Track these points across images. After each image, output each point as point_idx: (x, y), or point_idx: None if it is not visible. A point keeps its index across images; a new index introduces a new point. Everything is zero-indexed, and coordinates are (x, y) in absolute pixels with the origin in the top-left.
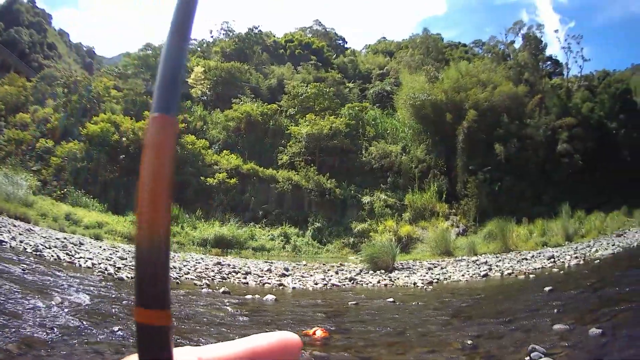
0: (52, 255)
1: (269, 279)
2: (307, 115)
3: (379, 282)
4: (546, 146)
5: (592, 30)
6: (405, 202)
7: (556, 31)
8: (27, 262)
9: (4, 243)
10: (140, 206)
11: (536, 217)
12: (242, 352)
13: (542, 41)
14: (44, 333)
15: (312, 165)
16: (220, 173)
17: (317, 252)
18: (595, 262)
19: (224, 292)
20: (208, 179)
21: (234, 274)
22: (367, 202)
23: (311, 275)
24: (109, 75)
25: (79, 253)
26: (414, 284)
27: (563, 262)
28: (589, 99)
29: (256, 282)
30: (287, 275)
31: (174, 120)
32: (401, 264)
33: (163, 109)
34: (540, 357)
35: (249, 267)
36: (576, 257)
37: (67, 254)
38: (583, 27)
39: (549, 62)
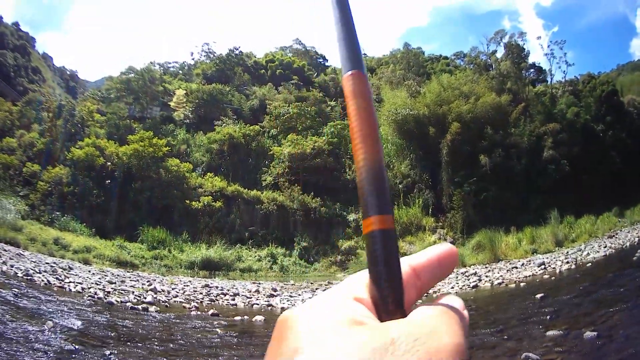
0: (43, 280)
1: (257, 299)
2: (289, 136)
3: None
4: (531, 154)
5: (576, 33)
6: None
7: (539, 38)
8: (19, 287)
9: None
10: (356, 143)
11: (524, 225)
12: (435, 259)
13: (524, 49)
14: (38, 358)
15: (296, 185)
16: (205, 196)
17: (305, 272)
18: (587, 265)
19: (212, 314)
20: (193, 202)
21: (222, 295)
22: (353, 220)
23: (299, 295)
24: (92, 100)
25: (68, 277)
26: None
27: (554, 268)
28: (574, 104)
29: (245, 303)
30: (276, 296)
31: (366, 76)
32: None
33: (356, 67)
34: None
35: (237, 288)
36: (567, 262)
37: (57, 278)
38: (567, 30)
39: (532, 70)
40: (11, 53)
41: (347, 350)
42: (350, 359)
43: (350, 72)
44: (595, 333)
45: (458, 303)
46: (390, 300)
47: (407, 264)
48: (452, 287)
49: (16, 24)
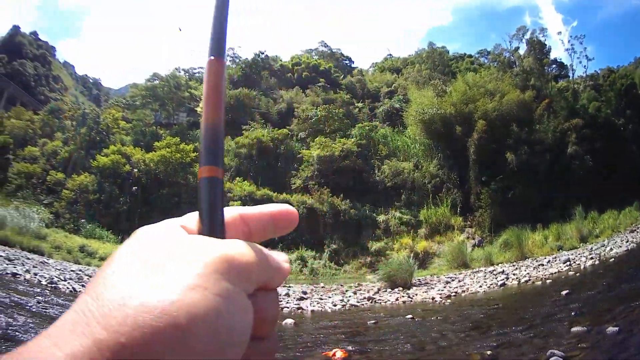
0: (68, 287)
1: (287, 303)
2: (317, 138)
3: (397, 299)
4: (556, 150)
5: (594, 27)
6: (420, 218)
7: (559, 33)
8: (43, 295)
9: (18, 275)
10: (204, 107)
11: (550, 221)
12: (267, 213)
13: (546, 45)
14: None
15: (325, 187)
16: (234, 201)
17: (335, 274)
18: (610, 260)
19: None
20: None
21: None
22: (383, 221)
23: (329, 297)
24: (117, 107)
25: None
26: (432, 298)
27: (579, 264)
28: (595, 99)
29: None
30: (306, 299)
31: (224, 62)
32: (419, 280)
33: (218, 54)
34: None
35: None
36: (591, 258)
37: (83, 285)
38: (586, 24)
39: (554, 66)
40: (30, 62)
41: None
42: (150, 244)
43: (212, 57)
44: (617, 328)
45: (281, 255)
46: (209, 233)
47: (238, 212)
48: (480, 286)
49: (34, 34)
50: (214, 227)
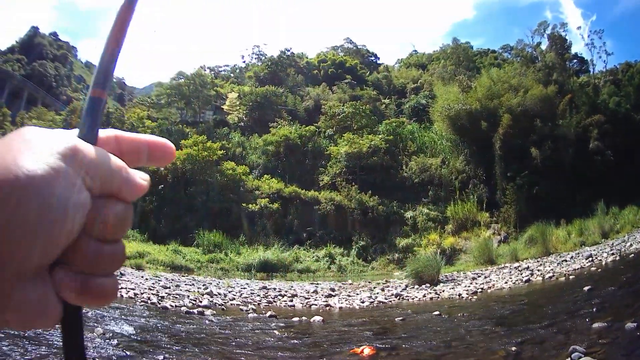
0: None
1: (315, 300)
2: (345, 135)
3: (424, 296)
4: (578, 145)
5: (613, 21)
6: (447, 214)
7: (579, 28)
8: None
9: None
10: (107, 43)
11: (573, 217)
12: (143, 139)
13: (566, 40)
14: None
15: (353, 184)
16: (262, 198)
17: (363, 271)
18: (630, 256)
19: (270, 316)
20: (250, 205)
21: (280, 297)
22: (410, 217)
23: (357, 294)
24: (142, 106)
25: (120, 283)
26: (459, 295)
27: (600, 260)
28: (615, 93)
29: (303, 304)
30: (334, 296)
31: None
32: (446, 276)
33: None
34: (580, 357)
35: (294, 289)
36: (612, 254)
37: None
38: (605, 18)
39: (575, 61)
40: (51, 63)
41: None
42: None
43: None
44: (635, 324)
45: (140, 173)
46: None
47: (115, 132)
48: (506, 282)
49: (54, 34)
50: (87, 134)
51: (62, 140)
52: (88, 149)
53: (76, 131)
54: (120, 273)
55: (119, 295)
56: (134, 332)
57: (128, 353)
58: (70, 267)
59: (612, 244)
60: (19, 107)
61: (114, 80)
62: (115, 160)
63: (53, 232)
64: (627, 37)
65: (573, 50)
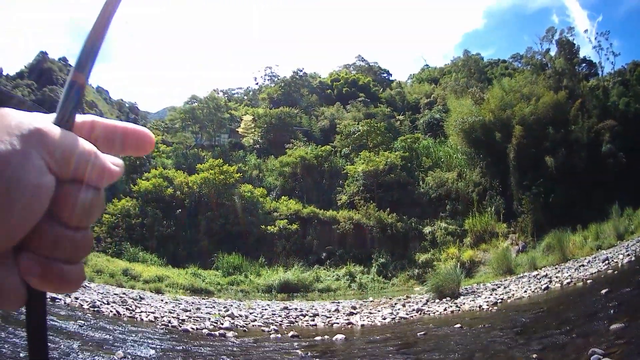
0: (111, 311)
1: (337, 318)
2: (361, 153)
3: (445, 309)
4: (591, 149)
5: (618, 20)
6: (465, 227)
7: (586, 31)
8: (85, 318)
9: (57, 300)
10: (92, 31)
11: (589, 221)
12: (120, 126)
13: (574, 44)
14: None
15: (371, 202)
16: (280, 219)
17: (383, 287)
18: None
19: (292, 336)
20: (269, 227)
21: (301, 317)
22: (429, 232)
23: (379, 311)
24: (156, 130)
25: (139, 307)
26: (480, 306)
27: (616, 262)
28: (624, 94)
29: (324, 323)
30: (355, 313)
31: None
32: (466, 288)
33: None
34: (600, 359)
35: (316, 309)
36: (628, 255)
37: (127, 308)
38: (611, 18)
39: (583, 65)
40: (62, 88)
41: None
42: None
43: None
44: None
45: (114, 158)
46: (56, 122)
47: (92, 118)
48: (525, 291)
49: (64, 60)
50: (62, 119)
51: (29, 122)
52: (55, 132)
53: (53, 115)
54: (140, 297)
55: (138, 318)
56: (155, 355)
57: None
58: (35, 251)
59: (628, 245)
60: None
61: (127, 105)
62: (85, 145)
63: (13, 214)
64: (633, 35)
65: (581, 53)
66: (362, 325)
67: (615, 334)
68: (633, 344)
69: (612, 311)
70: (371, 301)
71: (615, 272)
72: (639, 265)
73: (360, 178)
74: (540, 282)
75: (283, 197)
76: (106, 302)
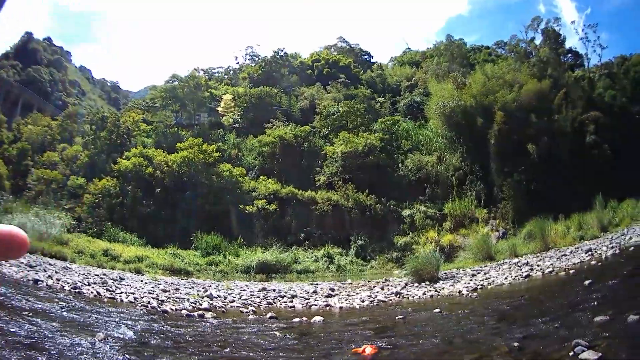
0: (92, 292)
1: (315, 300)
2: (340, 134)
3: (424, 293)
4: (575, 140)
5: (607, 14)
6: (445, 211)
7: (573, 22)
8: (66, 300)
9: (40, 282)
10: None
11: (572, 211)
12: None
13: (560, 35)
14: None
15: (350, 183)
16: (259, 199)
17: (362, 270)
18: (630, 249)
19: (271, 317)
20: (247, 206)
21: (279, 298)
22: (408, 215)
23: (357, 293)
24: (137, 109)
25: (119, 288)
26: (459, 292)
27: (600, 253)
28: (611, 87)
29: (303, 304)
30: (334, 296)
31: None
32: (445, 273)
33: None
34: (584, 351)
35: (294, 290)
36: (612, 247)
37: (107, 289)
38: (599, 11)
39: (569, 55)
40: (46, 68)
41: None
42: None
43: None
44: (637, 316)
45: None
46: None
47: None
48: (506, 278)
49: (48, 40)
50: None
51: None
52: None
53: None
54: (120, 277)
55: (119, 299)
56: (135, 336)
57: (129, 357)
58: None
59: (612, 237)
60: (15, 113)
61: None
62: None
63: None
64: (622, 30)
65: (567, 44)
66: (341, 308)
67: (600, 326)
68: (619, 338)
69: (595, 303)
70: (350, 283)
71: (599, 263)
72: (624, 259)
73: (339, 159)
74: (521, 270)
75: (262, 176)
76: (87, 284)
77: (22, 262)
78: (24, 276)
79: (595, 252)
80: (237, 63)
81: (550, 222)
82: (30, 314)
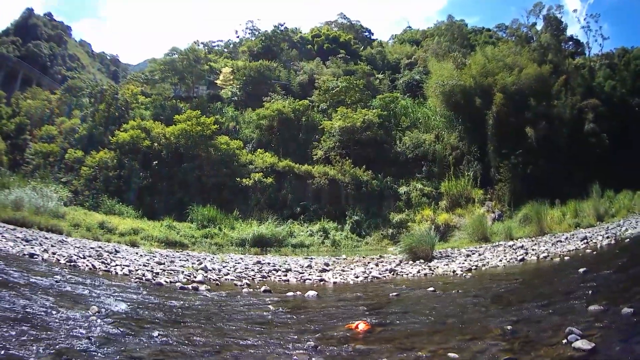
0: (87, 265)
1: (309, 275)
2: (339, 109)
3: (418, 272)
4: (574, 126)
5: (610, 5)
6: (442, 190)
7: (575, 11)
8: (61, 273)
9: (35, 256)
10: None
11: (568, 198)
12: None
13: (562, 22)
14: (80, 343)
15: (347, 158)
16: (256, 172)
17: (357, 245)
18: (626, 241)
19: (265, 291)
20: (244, 179)
21: (274, 272)
22: (404, 193)
23: (351, 269)
24: (135, 82)
25: (114, 261)
26: (453, 272)
27: (595, 242)
28: (610, 77)
29: (297, 279)
30: (328, 270)
31: None
32: (440, 252)
33: None
34: (577, 339)
35: (289, 264)
36: (607, 237)
37: (102, 262)
38: (603, 2)
39: (570, 43)
40: (46, 43)
41: None
42: None
43: None
44: (631, 310)
45: None
46: None
47: None
48: (500, 260)
49: (49, 15)
50: None
51: None
52: None
53: None
54: (115, 250)
55: (113, 271)
56: (129, 309)
57: (123, 330)
58: None
59: (608, 227)
60: (14, 88)
61: (108, 57)
62: None
63: None
64: (624, 22)
65: (568, 32)
66: (335, 283)
67: (594, 316)
68: (613, 329)
69: (590, 292)
70: (344, 259)
71: (594, 252)
72: (619, 249)
73: (337, 134)
74: (516, 253)
75: (259, 150)
76: (82, 257)
77: (18, 237)
78: (19, 250)
79: (591, 240)
80: (237, 37)
81: (546, 207)
82: (25, 289)
